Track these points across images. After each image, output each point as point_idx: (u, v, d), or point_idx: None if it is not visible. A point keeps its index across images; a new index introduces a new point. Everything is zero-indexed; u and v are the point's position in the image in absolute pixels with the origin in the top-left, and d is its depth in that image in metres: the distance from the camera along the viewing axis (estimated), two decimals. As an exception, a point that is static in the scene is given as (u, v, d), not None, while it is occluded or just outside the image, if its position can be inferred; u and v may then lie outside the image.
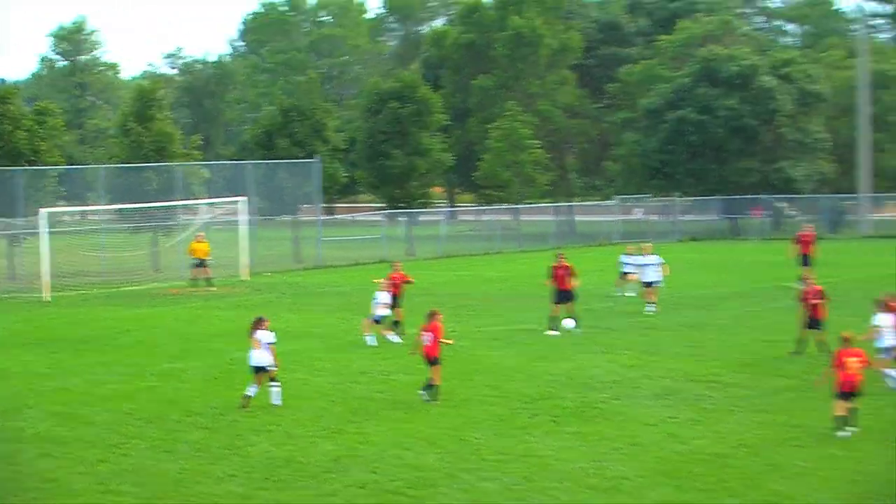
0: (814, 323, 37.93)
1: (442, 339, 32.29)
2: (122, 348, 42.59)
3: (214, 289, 62.32)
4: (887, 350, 32.51)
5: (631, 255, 55.80)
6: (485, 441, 28.18)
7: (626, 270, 56.25)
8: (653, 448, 27.30)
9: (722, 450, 26.96)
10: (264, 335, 31.82)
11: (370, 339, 41.97)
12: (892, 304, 33.22)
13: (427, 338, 32.51)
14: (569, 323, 43.65)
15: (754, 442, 27.62)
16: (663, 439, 28.11)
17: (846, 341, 28.52)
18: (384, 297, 42.34)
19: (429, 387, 32.39)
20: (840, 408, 27.86)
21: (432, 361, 32.51)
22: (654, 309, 49.42)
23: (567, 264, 46.28)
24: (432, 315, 32.72)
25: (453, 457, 26.77)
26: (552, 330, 44.75)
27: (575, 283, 46.02)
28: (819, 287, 38.74)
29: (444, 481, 24.83)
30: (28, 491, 24.77)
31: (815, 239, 58.46)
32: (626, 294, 55.43)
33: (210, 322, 50.28)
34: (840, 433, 27.55)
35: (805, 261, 57.94)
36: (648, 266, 51.07)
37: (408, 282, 45.28)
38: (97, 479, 25.55)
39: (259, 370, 31.71)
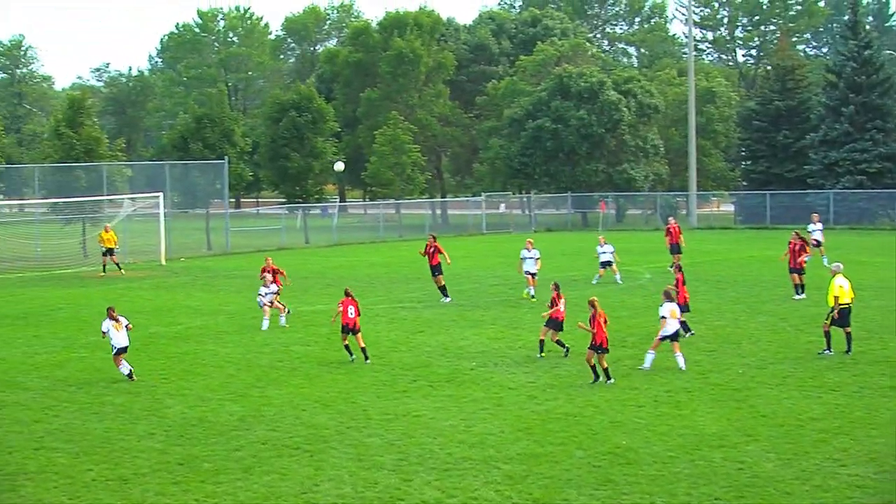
0: (684, 307, 36.54)
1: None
2: (55, 323, 42.06)
3: (123, 272, 61.28)
4: (672, 337, 31.95)
5: (604, 244, 53.10)
6: (370, 403, 28.17)
7: (603, 260, 52.80)
8: (514, 408, 27.44)
9: (573, 410, 27.15)
10: (122, 319, 31.44)
11: (266, 324, 40.50)
12: (673, 294, 33.01)
13: (351, 310, 32.80)
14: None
15: (600, 403, 27.86)
16: (524, 401, 28.26)
17: (593, 305, 30.07)
18: (272, 287, 41.26)
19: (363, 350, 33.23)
20: (595, 359, 29.93)
21: (357, 330, 33.15)
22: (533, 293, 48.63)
23: (437, 244, 48.41)
24: (348, 293, 33.39)
25: (343, 416, 26.74)
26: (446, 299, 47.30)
27: (445, 259, 48.23)
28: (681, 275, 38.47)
29: (335, 437, 24.80)
30: (-28, 448, 24.40)
31: (680, 230, 58.26)
32: (593, 282, 52.49)
33: (133, 301, 49.74)
34: (609, 382, 29.66)
35: (674, 249, 57.62)
36: (529, 259, 49.36)
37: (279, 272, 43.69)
38: (32, 437, 25.22)
39: (124, 350, 31.45)
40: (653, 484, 21.21)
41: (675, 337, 31.79)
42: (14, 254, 67.85)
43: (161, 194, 71.11)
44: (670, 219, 62.96)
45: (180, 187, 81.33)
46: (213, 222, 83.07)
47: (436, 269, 48.13)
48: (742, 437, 24.33)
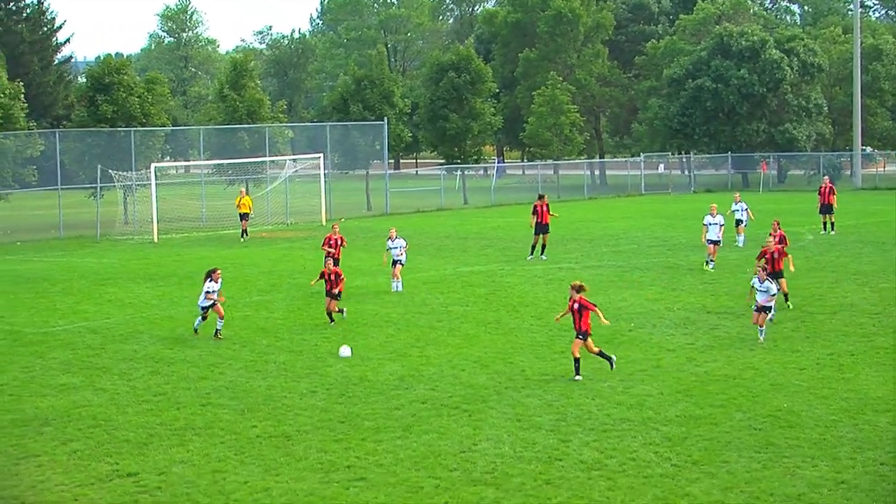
0: (776, 274, 33.95)
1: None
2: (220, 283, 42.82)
3: (246, 238, 61.24)
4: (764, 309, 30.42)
5: (738, 201, 52.30)
6: (528, 363, 28.22)
7: (738, 218, 52.18)
8: (673, 370, 27.28)
9: (732, 372, 26.90)
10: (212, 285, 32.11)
11: (396, 286, 40.32)
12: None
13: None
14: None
15: (761, 365, 27.55)
16: (682, 362, 28.08)
17: (574, 288, 26.69)
18: (400, 243, 40.85)
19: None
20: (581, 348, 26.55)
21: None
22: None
23: (546, 202, 49.08)
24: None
25: (501, 377, 26.83)
26: (531, 256, 48.54)
27: (553, 216, 49.56)
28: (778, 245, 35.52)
29: (493, 397, 24.90)
30: (142, 403, 25.00)
31: (833, 190, 57.16)
32: (739, 244, 51.29)
33: (294, 261, 50.44)
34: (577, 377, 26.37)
35: (824, 209, 56.63)
36: (713, 226, 47.39)
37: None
38: (199, 394, 25.76)
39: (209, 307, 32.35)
40: (815, 448, 20.93)
41: (765, 309, 30.78)
42: (179, 214, 69.16)
43: (322, 155, 71.83)
44: (825, 178, 61.91)
45: (340, 148, 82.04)
46: (372, 183, 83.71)
47: (544, 229, 48.55)
48: (907, 401, 23.91)
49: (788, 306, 34.94)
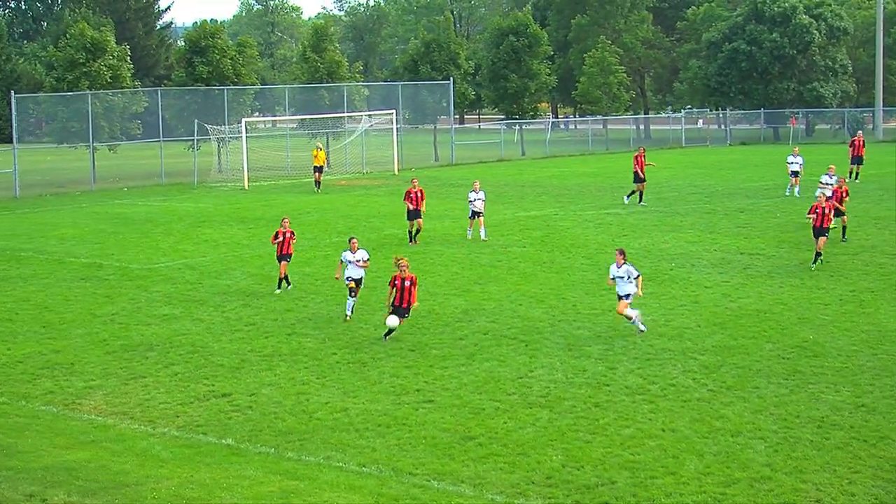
0: (821, 231, 32.25)
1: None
2: (304, 225, 42.96)
3: (319, 189, 59.22)
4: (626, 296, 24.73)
5: (796, 155, 50.58)
6: (579, 299, 28.21)
7: (793, 170, 50.14)
8: (709, 305, 27.17)
9: (763, 307, 26.76)
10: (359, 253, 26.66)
11: (469, 233, 39.62)
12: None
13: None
14: None
15: (789, 301, 27.38)
16: (718, 298, 27.95)
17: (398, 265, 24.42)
18: (481, 195, 40.16)
19: None
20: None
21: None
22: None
23: (643, 153, 48.70)
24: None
25: (555, 311, 26.83)
26: (627, 197, 48.78)
27: (651, 165, 49.63)
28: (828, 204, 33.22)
29: (548, 329, 24.92)
30: (235, 332, 25.22)
31: (863, 143, 56.17)
32: (793, 195, 49.55)
33: (370, 206, 50.54)
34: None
35: (855, 160, 55.74)
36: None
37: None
38: (285, 324, 25.96)
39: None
40: (837, 375, 20.82)
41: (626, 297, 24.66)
42: (267, 164, 69.35)
43: (394, 111, 71.67)
44: (859, 132, 61.05)
45: (411, 105, 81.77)
46: (439, 137, 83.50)
47: (638, 178, 48.20)
48: (922, 334, 23.69)
49: (845, 240, 35.91)
